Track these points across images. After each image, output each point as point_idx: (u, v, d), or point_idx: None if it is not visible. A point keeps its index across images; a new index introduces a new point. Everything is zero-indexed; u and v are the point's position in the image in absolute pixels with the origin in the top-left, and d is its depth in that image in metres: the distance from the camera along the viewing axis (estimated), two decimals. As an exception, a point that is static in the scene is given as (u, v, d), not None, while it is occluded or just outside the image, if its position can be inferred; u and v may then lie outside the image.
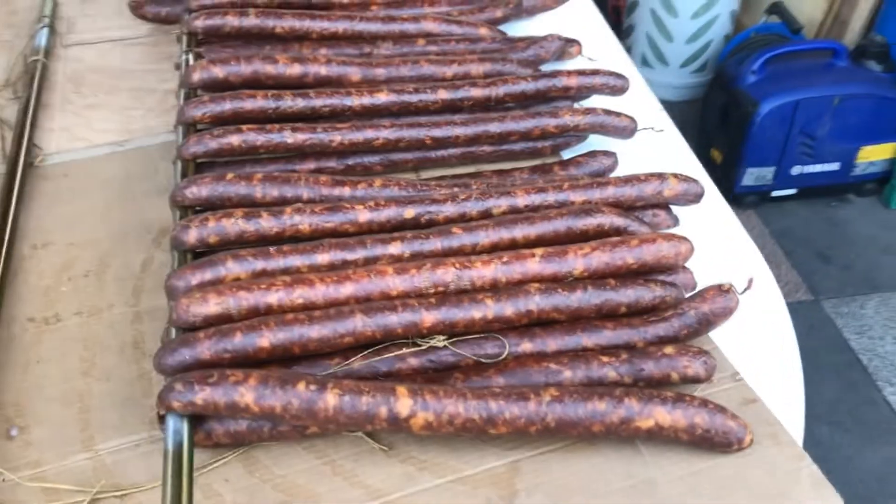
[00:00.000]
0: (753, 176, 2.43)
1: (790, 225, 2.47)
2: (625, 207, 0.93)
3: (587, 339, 0.79)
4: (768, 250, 2.38)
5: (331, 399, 0.68)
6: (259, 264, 0.81)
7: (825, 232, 2.45)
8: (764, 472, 0.71)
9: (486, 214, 0.90)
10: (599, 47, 1.33)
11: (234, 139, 0.97)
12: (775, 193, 2.49)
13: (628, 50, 3.05)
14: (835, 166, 2.45)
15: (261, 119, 1.03)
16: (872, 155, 2.45)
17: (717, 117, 2.47)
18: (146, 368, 0.82)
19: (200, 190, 0.90)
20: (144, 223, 0.98)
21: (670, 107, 2.98)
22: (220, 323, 0.76)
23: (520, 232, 0.86)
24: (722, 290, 0.80)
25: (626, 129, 1.07)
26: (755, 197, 2.50)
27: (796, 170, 2.43)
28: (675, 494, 0.70)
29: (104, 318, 0.87)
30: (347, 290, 0.78)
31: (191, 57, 1.17)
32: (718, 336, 0.83)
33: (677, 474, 0.72)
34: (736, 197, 2.50)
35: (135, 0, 1.36)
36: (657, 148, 1.12)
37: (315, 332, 0.74)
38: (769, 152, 2.37)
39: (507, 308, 0.78)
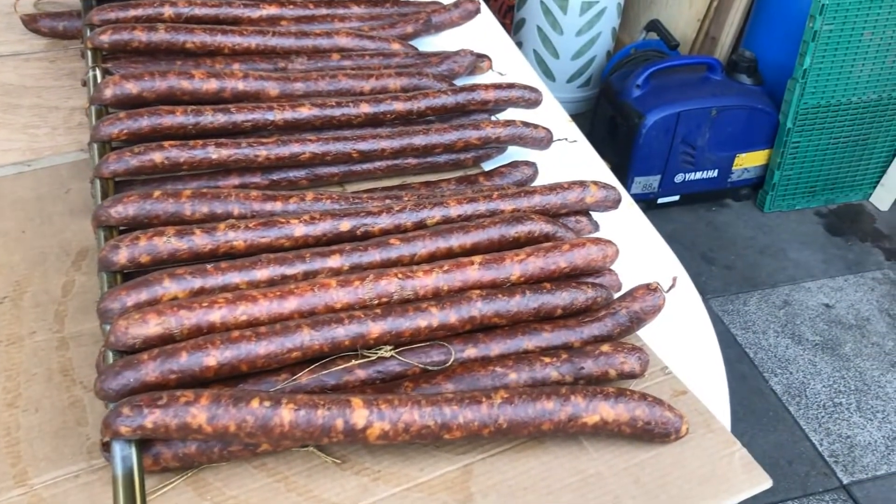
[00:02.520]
0: (641, 184, 2.56)
1: (675, 230, 2.61)
2: (550, 214, 0.97)
3: (528, 342, 0.82)
4: (658, 254, 2.51)
5: (286, 414, 0.68)
6: (197, 282, 0.79)
7: (707, 235, 2.60)
8: (700, 458, 0.76)
9: (420, 225, 0.92)
10: (506, 62, 1.38)
11: (156, 156, 0.95)
12: (661, 200, 2.63)
13: (517, 65, 3.15)
14: (713, 173, 2.61)
15: (180, 135, 1.01)
16: (747, 162, 2.63)
17: (604, 129, 2.59)
18: (78, 395, 0.78)
19: (126, 209, 0.87)
20: (62, 245, 0.94)
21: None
22: (161, 344, 0.74)
23: (456, 241, 0.88)
24: (650, 288, 0.85)
25: (542, 140, 1.11)
26: (642, 204, 2.63)
27: (679, 177, 2.58)
28: (621, 485, 0.74)
29: (26, 345, 0.82)
30: (291, 304, 0.77)
31: (98, 73, 1.13)
32: (643, 333, 0.88)
33: (621, 466, 0.75)
34: (626, 205, 2.62)
35: (27, 14, 1.30)
36: (570, 158, 1.17)
37: (262, 348, 0.73)
38: (654, 161, 2.50)
39: (451, 315, 0.80)
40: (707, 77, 2.51)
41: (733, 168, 2.62)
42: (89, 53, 1.15)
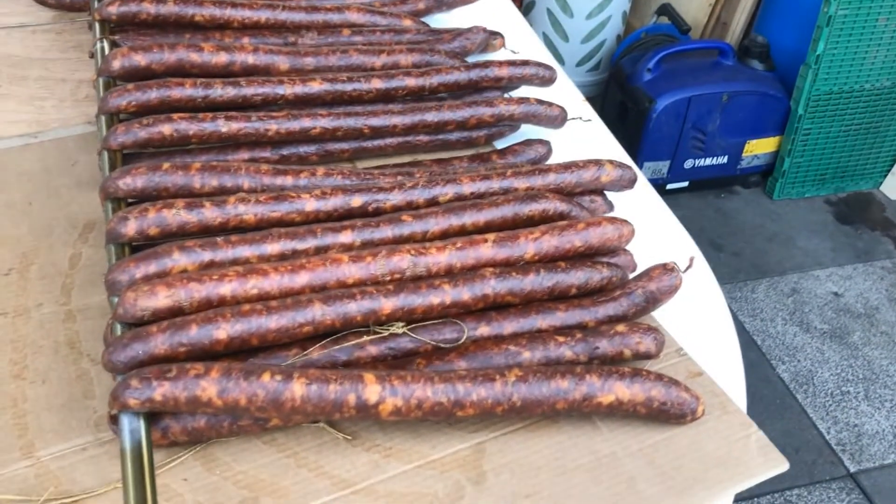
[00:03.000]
0: (650, 170, 2.54)
1: (684, 216, 2.58)
2: (565, 193, 0.95)
3: (541, 321, 0.80)
4: (666, 240, 2.49)
5: (298, 389, 0.67)
6: (207, 255, 0.78)
7: (716, 222, 2.58)
8: (716, 440, 0.75)
9: (432, 202, 0.90)
10: (519, 40, 1.36)
11: (165, 128, 0.93)
12: (670, 186, 2.61)
13: (526, 48, 3.13)
14: (723, 160, 2.59)
15: (189, 108, 0.99)
16: (757, 148, 2.61)
17: (614, 114, 2.57)
18: (85, 368, 0.77)
19: (135, 180, 0.85)
20: (69, 218, 0.93)
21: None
22: (170, 316, 0.72)
23: (469, 218, 0.87)
24: (667, 268, 0.83)
25: (557, 118, 1.09)
26: (652, 190, 2.61)
27: (689, 163, 2.56)
28: (636, 466, 0.73)
29: (33, 317, 0.81)
30: (303, 279, 0.76)
31: (106, 45, 1.11)
32: (659, 314, 0.87)
33: (636, 447, 0.74)
34: (634, 190, 2.60)
35: (35, -16, 1.28)
36: (584, 137, 1.15)
37: (273, 322, 0.72)
38: (664, 147, 2.48)
39: (465, 293, 0.78)
40: (718, 62, 2.48)
41: (743, 154, 2.60)
42: (97, 25, 1.14)
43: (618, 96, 2.52)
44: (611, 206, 0.99)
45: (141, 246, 0.82)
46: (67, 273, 0.86)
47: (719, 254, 2.46)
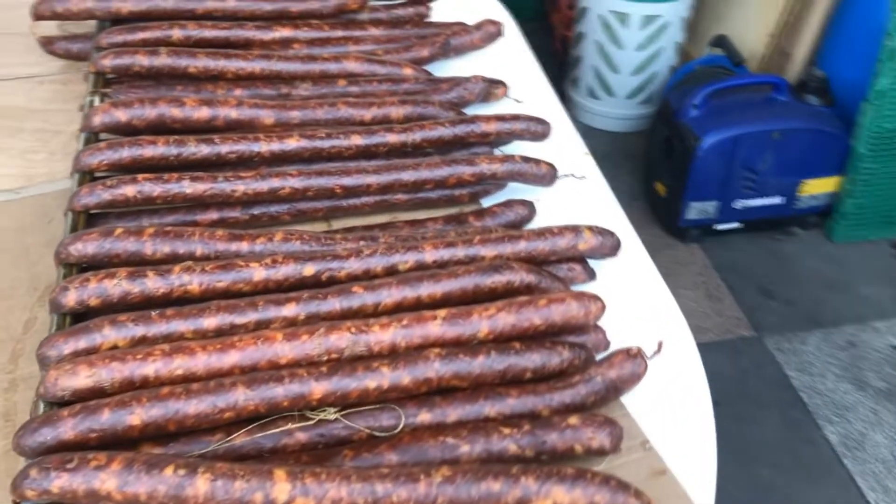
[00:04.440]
0: (697, 209, 2.42)
1: (734, 259, 2.47)
2: (538, 262, 0.89)
3: (490, 408, 0.75)
4: (711, 285, 2.37)
5: (201, 484, 0.63)
6: (139, 330, 0.75)
7: (769, 266, 2.45)
8: (669, 553, 0.67)
9: (392, 271, 0.86)
10: (529, 88, 1.30)
11: (129, 190, 0.92)
12: (719, 227, 2.49)
13: (575, 81, 3.06)
14: (778, 200, 2.46)
15: (162, 167, 0.98)
16: (815, 188, 2.46)
17: (660, 150, 2.47)
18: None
19: (86, 247, 0.84)
20: (32, 279, 0.92)
21: (617, 138, 3.01)
22: (92, 397, 0.70)
23: (425, 290, 0.82)
24: (630, 354, 0.76)
25: (545, 176, 1.04)
26: (699, 230, 2.49)
27: (739, 203, 2.43)
28: (575, 580, 0.66)
29: (-25, 386, 0.80)
30: (232, 358, 0.73)
31: (96, 98, 1.12)
32: (631, 395, 0.80)
33: (579, 557, 0.67)
34: (680, 230, 2.49)
35: (45, 36, 1.31)
36: (580, 194, 1.08)
37: (192, 407, 0.69)
38: (712, 186, 2.37)
39: (405, 376, 0.73)
40: (771, 97, 2.36)
41: (800, 195, 2.46)
42: (92, 77, 1.14)
43: (664, 132, 2.43)
44: (592, 275, 0.93)
45: (85, 315, 0.80)
46: (20, 338, 0.86)
47: (769, 301, 2.32)
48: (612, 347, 0.83)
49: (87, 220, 0.94)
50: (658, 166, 2.52)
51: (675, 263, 2.45)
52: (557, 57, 3.26)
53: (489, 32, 1.36)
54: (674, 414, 0.81)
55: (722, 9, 2.98)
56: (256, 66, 1.17)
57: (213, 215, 0.97)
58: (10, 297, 0.90)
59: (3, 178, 1.07)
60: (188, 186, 0.93)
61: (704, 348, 2.04)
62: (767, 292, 2.35)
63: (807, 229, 2.58)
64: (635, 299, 0.93)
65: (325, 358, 0.74)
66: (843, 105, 2.43)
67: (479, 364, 0.75)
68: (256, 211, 0.98)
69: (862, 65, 2.40)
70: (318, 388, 0.71)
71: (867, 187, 2.43)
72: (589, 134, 3.01)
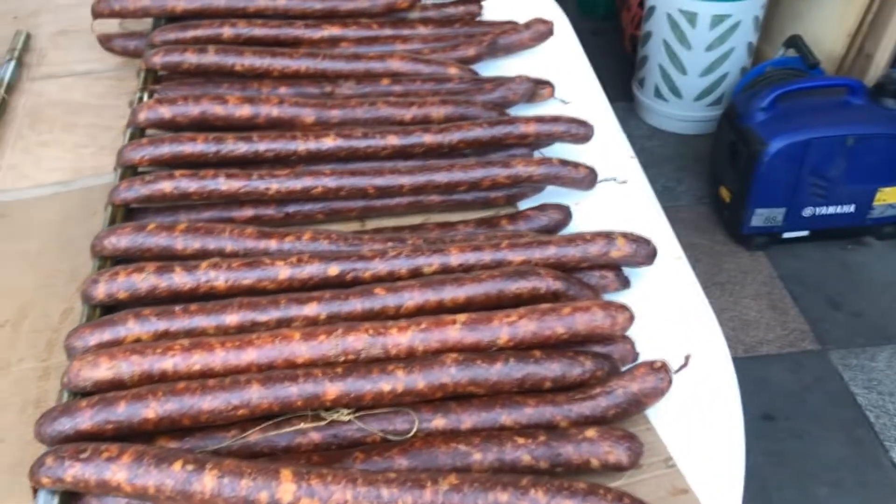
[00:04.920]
0: (762, 217, 2.34)
1: (801, 268, 2.37)
2: (568, 269, 0.87)
3: (506, 417, 0.73)
4: (776, 295, 2.28)
5: (208, 481, 0.63)
6: (162, 324, 0.77)
7: (838, 276, 2.34)
8: (684, 577, 0.64)
9: (416, 273, 0.85)
10: (578, 89, 1.27)
11: (166, 185, 0.94)
12: (786, 235, 2.40)
13: (641, 82, 2.99)
14: (850, 208, 2.35)
15: (201, 163, 0.99)
16: (891, 197, 2.34)
17: (725, 155, 2.39)
18: (44, 430, 0.77)
19: (120, 240, 0.86)
20: (73, 271, 0.95)
21: (684, 140, 2.93)
22: (112, 389, 0.72)
23: (448, 294, 0.81)
24: (653, 367, 0.73)
25: (583, 180, 1.01)
26: (765, 238, 2.40)
27: (808, 211, 2.34)
28: None
29: (11, 373, 0.83)
30: (249, 356, 0.73)
31: (146, 95, 1.14)
32: (659, 408, 0.77)
33: (589, 575, 0.65)
34: (744, 237, 2.41)
35: (103, 33, 1.34)
36: (622, 198, 1.05)
37: (207, 403, 0.69)
38: (778, 193, 2.28)
39: (420, 381, 0.72)
40: (846, 101, 2.25)
41: (874, 203, 2.34)
42: (142, 74, 1.17)
43: (729, 136, 2.34)
44: (625, 283, 0.90)
45: (115, 307, 0.82)
46: (56, 328, 0.88)
47: (836, 313, 2.22)
48: (644, 359, 0.80)
49: (127, 214, 0.96)
50: (723, 171, 2.44)
51: (739, 272, 2.37)
52: (627, 56, 3.20)
53: (539, 31, 1.33)
54: (702, 431, 0.77)
55: (799, 7, 2.86)
56: (302, 64, 1.18)
57: (249, 212, 0.98)
58: (52, 286, 0.93)
59: (55, 172, 1.11)
60: (223, 183, 0.95)
61: (765, 361, 1.97)
62: (835, 304, 2.25)
63: (882, 239, 2.46)
64: (670, 310, 0.89)
65: (342, 359, 0.74)
66: (926, 109, 2.30)
67: (497, 371, 0.74)
68: (291, 209, 0.99)
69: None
70: (332, 388, 0.71)
71: (948, 197, 2.30)
72: (655, 135, 2.94)
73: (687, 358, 0.75)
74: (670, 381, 0.73)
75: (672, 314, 0.89)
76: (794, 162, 2.21)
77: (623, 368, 0.78)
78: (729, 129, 2.36)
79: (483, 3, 1.40)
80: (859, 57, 2.79)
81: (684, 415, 0.78)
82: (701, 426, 0.78)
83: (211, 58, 1.16)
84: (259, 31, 1.24)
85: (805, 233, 2.40)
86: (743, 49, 2.76)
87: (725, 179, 2.43)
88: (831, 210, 2.34)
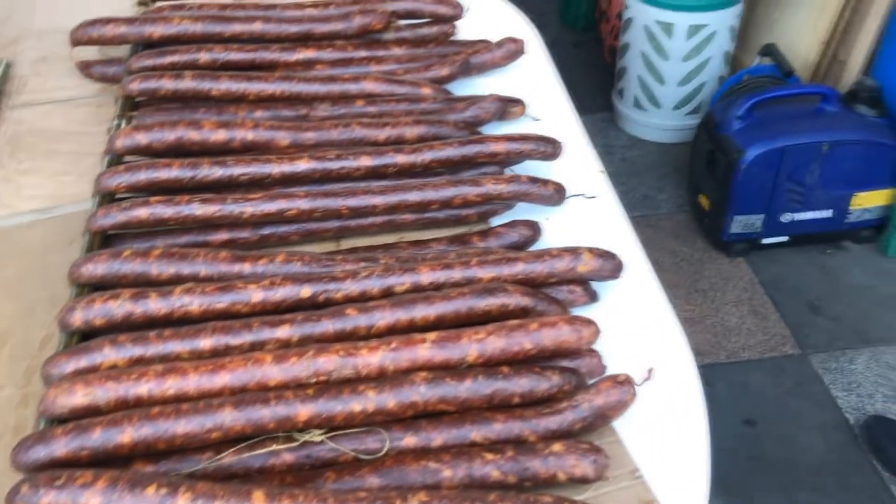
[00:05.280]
0: (741, 223, 2.37)
1: (781, 273, 2.40)
2: (536, 284, 0.89)
3: (475, 433, 0.75)
4: (756, 301, 2.31)
5: (182, 504, 0.65)
6: (137, 350, 0.78)
7: (817, 281, 2.37)
8: (648, 586, 0.66)
9: (388, 293, 0.86)
10: (549, 106, 1.30)
11: (142, 212, 0.96)
12: (766, 241, 2.43)
13: (621, 92, 3.02)
14: (827, 213, 2.38)
15: (177, 189, 1.01)
16: (867, 202, 2.38)
17: (704, 163, 2.43)
18: (23, 457, 0.78)
19: (96, 268, 0.88)
20: (53, 298, 0.96)
21: (664, 149, 2.96)
22: (88, 415, 0.73)
23: (419, 312, 0.83)
24: (618, 381, 0.75)
25: (552, 197, 1.03)
26: (744, 244, 2.43)
27: (787, 217, 2.37)
28: None
29: (-9, 400, 0.84)
30: (222, 379, 0.75)
31: (123, 122, 1.16)
32: (625, 421, 0.79)
33: (557, 586, 0.67)
34: (724, 244, 2.44)
35: (83, 60, 1.36)
36: (591, 213, 1.08)
37: (181, 427, 0.71)
38: (756, 200, 2.31)
39: (390, 400, 0.74)
40: (820, 108, 2.29)
41: (851, 208, 2.38)
42: (120, 101, 1.19)
43: (707, 145, 2.38)
44: (593, 297, 0.92)
45: (92, 334, 0.84)
46: (35, 355, 0.89)
47: (816, 317, 2.25)
48: (612, 371, 0.82)
49: (105, 240, 0.98)
50: (701, 179, 2.47)
51: (720, 278, 2.40)
52: (607, 67, 3.23)
53: (511, 50, 1.36)
54: (668, 443, 0.79)
55: (773, 16, 2.91)
56: (277, 87, 1.20)
57: (224, 236, 1.00)
58: (31, 314, 0.94)
59: (34, 199, 1.12)
60: (198, 208, 0.96)
61: (746, 366, 2.00)
62: (815, 308, 2.28)
63: (860, 243, 2.49)
64: (638, 322, 0.91)
65: (314, 380, 0.76)
66: (899, 115, 2.35)
67: (466, 388, 0.75)
68: (266, 231, 1.01)
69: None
70: (303, 410, 0.73)
71: (923, 200, 2.34)
72: (636, 145, 2.98)
73: (650, 371, 0.77)
74: (634, 394, 0.75)
75: (639, 327, 0.91)
76: (770, 169, 2.24)
77: (590, 382, 0.80)
78: (706, 137, 2.39)
79: (457, 24, 1.42)
80: (833, 64, 2.83)
81: (651, 427, 0.80)
82: (667, 438, 0.80)
83: (187, 83, 1.17)
84: (235, 55, 1.25)
85: (784, 238, 2.43)
86: (719, 58, 2.80)
87: (704, 187, 2.46)
88: (809, 216, 2.37)
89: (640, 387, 0.76)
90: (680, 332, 0.91)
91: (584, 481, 0.72)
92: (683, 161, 2.80)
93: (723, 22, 2.71)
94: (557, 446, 0.72)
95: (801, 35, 2.77)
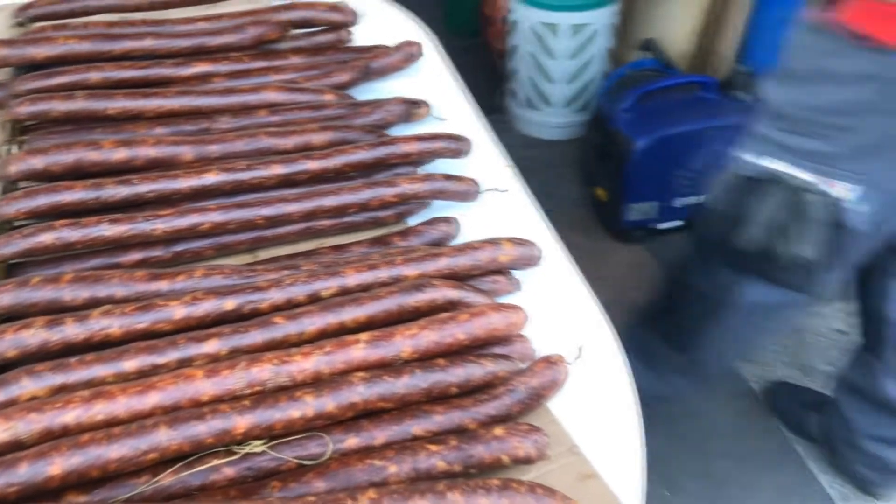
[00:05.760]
0: (637, 211, 2.46)
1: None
2: (461, 277, 0.90)
3: (417, 427, 0.75)
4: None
5: (124, 530, 0.63)
6: (58, 378, 0.75)
7: (712, 260, 2.49)
8: (599, 554, 0.68)
9: (315, 298, 0.86)
10: (451, 105, 1.32)
11: (46, 237, 0.91)
12: (662, 226, 2.53)
13: (513, 93, 3.09)
14: (716, 195, 2.50)
15: (82, 211, 0.97)
16: (750, 181, 2.52)
17: (596, 156, 2.51)
18: (-62, 505, 0.74)
19: (2, 298, 0.83)
20: (-49, 335, 0.90)
21: (558, 147, 3.04)
22: (11, 451, 0.69)
23: (348, 315, 0.82)
24: (550, 361, 0.78)
25: (467, 192, 1.05)
26: (642, 231, 2.53)
27: (679, 202, 2.48)
28: (508, 590, 0.66)
29: None
30: (153, 399, 0.72)
31: (14, 147, 1.11)
32: (559, 400, 0.81)
33: (512, 567, 0.68)
34: (623, 233, 2.53)
35: (-40, 86, 1.29)
36: (504, 207, 1.10)
37: (114, 452, 0.68)
38: (649, 187, 2.41)
39: (329, 403, 0.74)
40: (701, 96, 2.41)
41: (736, 188, 2.51)
42: (8, 126, 1.13)
43: (597, 139, 2.47)
44: (517, 286, 0.94)
45: (4, 368, 0.79)
46: (-60, 397, 0.84)
47: (715, 294, 2.36)
48: (542, 354, 0.84)
49: (8, 270, 0.93)
50: (596, 172, 2.56)
51: (623, 265, 2.49)
52: (496, 71, 3.30)
53: (409, 53, 1.37)
54: (601, 417, 0.82)
55: (650, 12, 3.04)
56: (176, 103, 1.17)
57: (136, 255, 0.97)
58: (-70, 355, 0.88)
59: (-80, 235, 1.05)
60: (107, 229, 0.93)
61: (651, 347, 2.04)
62: (712, 287, 2.39)
63: (748, 221, 2.63)
64: (560, 306, 0.94)
65: (249, 392, 0.74)
66: (771, 98, 2.49)
67: (404, 384, 0.76)
68: (179, 248, 0.98)
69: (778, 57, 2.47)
70: (241, 422, 0.71)
71: (800, 177, 2.49)
72: (530, 144, 3.05)
73: (580, 349, 0.80)
74: (567, 373, 0.77)
75: (562, 309, 0.94)
76: (659, 157, 2.34)
77: (522, 366, 0.82)
78: (597, 131, 2.48)
79: (351, 30, 1.43)
80: (709, 55, 3.00)
81: (583, 404, 0.82)
82: (599, 413, 0.82)
83: (80, 104, 1.13)
84: (128, 73, 1.21)
85: (679, 223, 2.55)
86: (603, 55, 2.91)
87: (599, 180, 2.55)
88: (700, 199, 2.49)
89: (571, 365, 0.78)
90: (601, 312, 0.94)
91: (527, 461, 0.73)
92: (576, 156, 2.88)
93: (603, 20, 2.81)
94: (499, 430, 0.74)
95: (676, 29, 2.92)
